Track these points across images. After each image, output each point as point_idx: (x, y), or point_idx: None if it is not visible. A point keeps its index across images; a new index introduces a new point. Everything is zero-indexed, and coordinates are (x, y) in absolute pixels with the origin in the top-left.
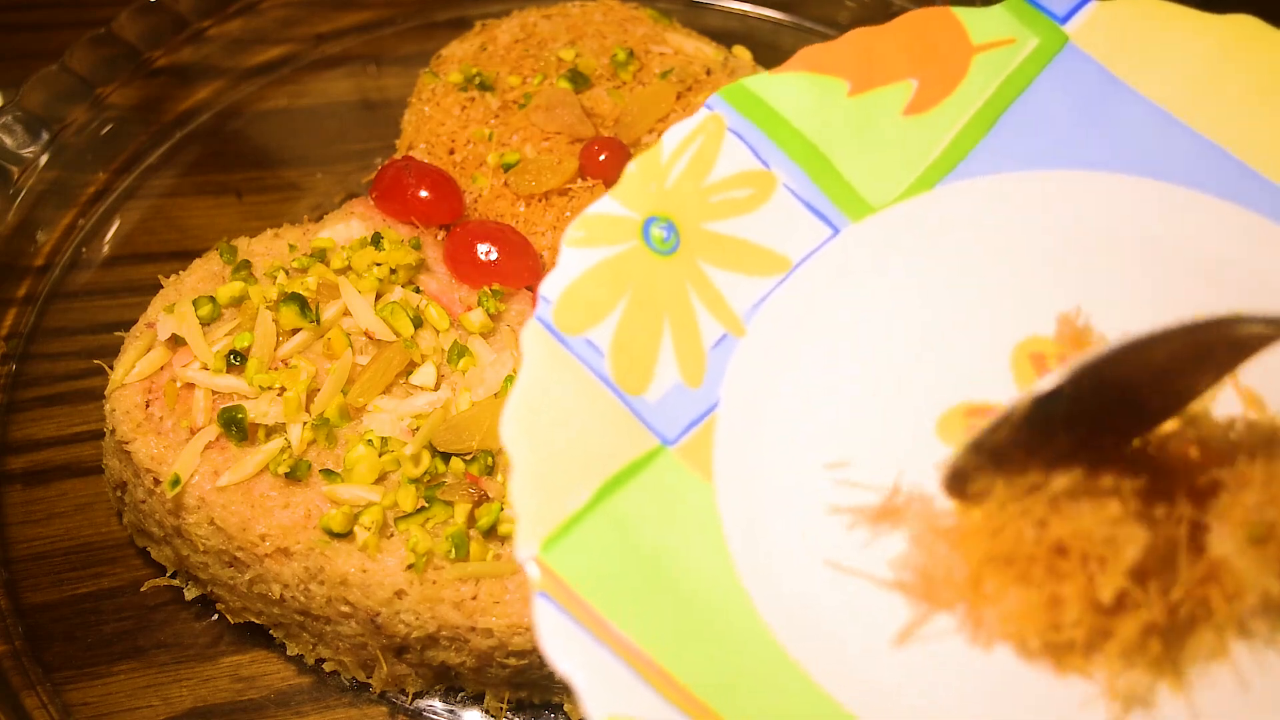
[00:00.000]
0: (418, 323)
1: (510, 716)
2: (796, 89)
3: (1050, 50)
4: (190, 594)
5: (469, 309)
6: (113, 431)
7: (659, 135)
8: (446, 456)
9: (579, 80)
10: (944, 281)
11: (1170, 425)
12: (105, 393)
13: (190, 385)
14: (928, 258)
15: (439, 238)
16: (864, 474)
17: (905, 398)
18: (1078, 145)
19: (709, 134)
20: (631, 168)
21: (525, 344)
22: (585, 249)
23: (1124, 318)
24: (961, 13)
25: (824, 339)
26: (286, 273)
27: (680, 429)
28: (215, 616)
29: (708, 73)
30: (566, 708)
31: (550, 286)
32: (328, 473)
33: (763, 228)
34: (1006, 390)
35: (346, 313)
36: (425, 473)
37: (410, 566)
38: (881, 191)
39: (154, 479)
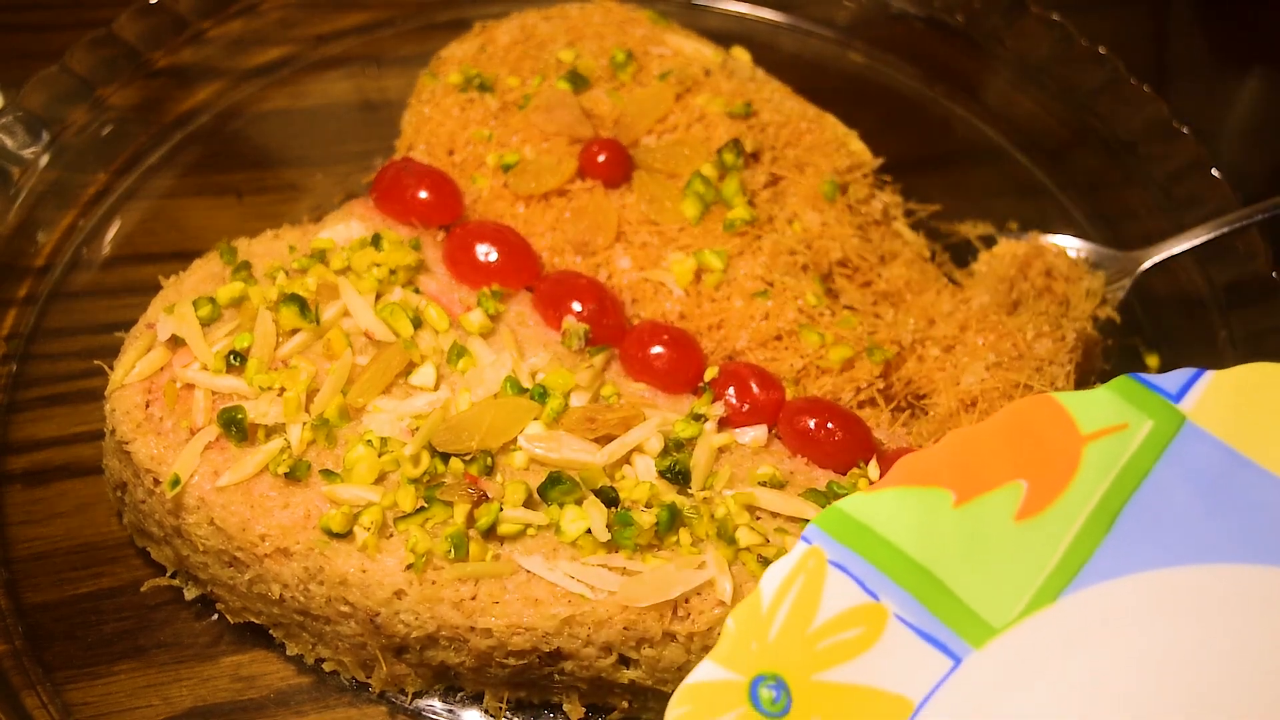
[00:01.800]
0: (417, 323)
1: (510, 716)
2: (897, 507)
3: (1167, 433)
4: (190, 594)
5: (468, 309)
6: (113, 432)
7: (658, 136)
8: (446, 456)
9: (578, 81)
10: (1076, 706)
11: None
12: (105, 393)
13: (190, 385)
14: (1058, 680)
15: (439, 238)
16: None
17: None
18: (1206, 536)
19: (810, 571)
20: (730, 624)
21: None
22: None
23: None
24: (1067, 399)
25: None
26: (286, 273)
27: None
28: (215, 616)
29: (706, 73)
30: (566, 707)
31: None
32: (327, 473)
33: (879, 668)
34: None
35: (346, 313)
36: (425, 473)
37: (410, 566)
38: (1001, 610)
39: (154, 479)
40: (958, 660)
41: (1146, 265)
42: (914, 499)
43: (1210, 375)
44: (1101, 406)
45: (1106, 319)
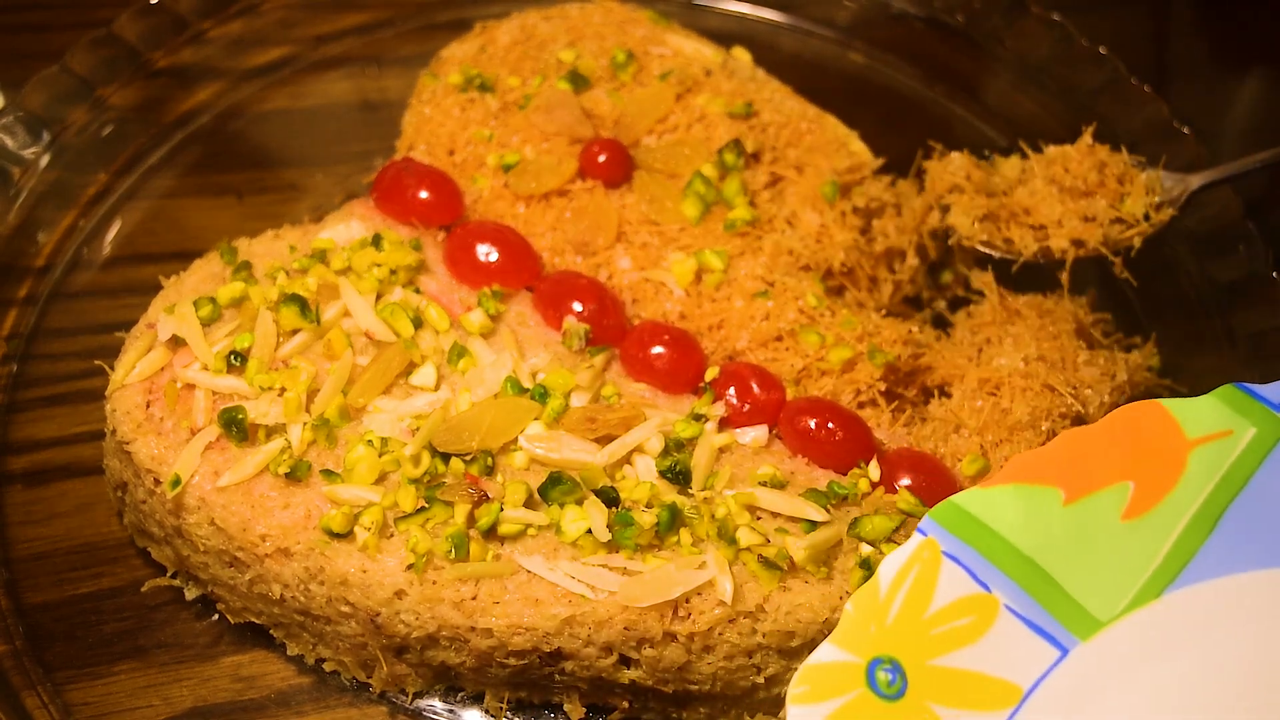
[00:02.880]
0: (418, 323)
1: (510, 716)
2: (1009, 503)
3: (1270, 440)
4: (190, 594)
5: (469, 309)
6: (113, 432)
7: (658, 136)
8: (446, 457)
9: (578, 81)
10: (1181, 699)
11: None
12: (106, 393)
13: (190, 386)
14: (1161, 674)
15: (439, 238)
16: None
17: None
18: None
19: (925, 562)
20: (849, 608)
21: None
22: (811, 705)
23: None
24: (1173, 405)
25: None
26: (287, 273)
27: None
28: (215, 616)
29: (707, 74)
30: (567, 707)
31: None
32: (328, 473)
33: (989, 656)
34: None
35: (346, 313)
36: (425, 473)
37: (410, 566)
38: (1107, 604)
39: (154, 479)
40: (1065, 651)
41: (1197, 186)
42: (1025, 496)
43: None
44: (1207, 413)
45: (1103, 318)
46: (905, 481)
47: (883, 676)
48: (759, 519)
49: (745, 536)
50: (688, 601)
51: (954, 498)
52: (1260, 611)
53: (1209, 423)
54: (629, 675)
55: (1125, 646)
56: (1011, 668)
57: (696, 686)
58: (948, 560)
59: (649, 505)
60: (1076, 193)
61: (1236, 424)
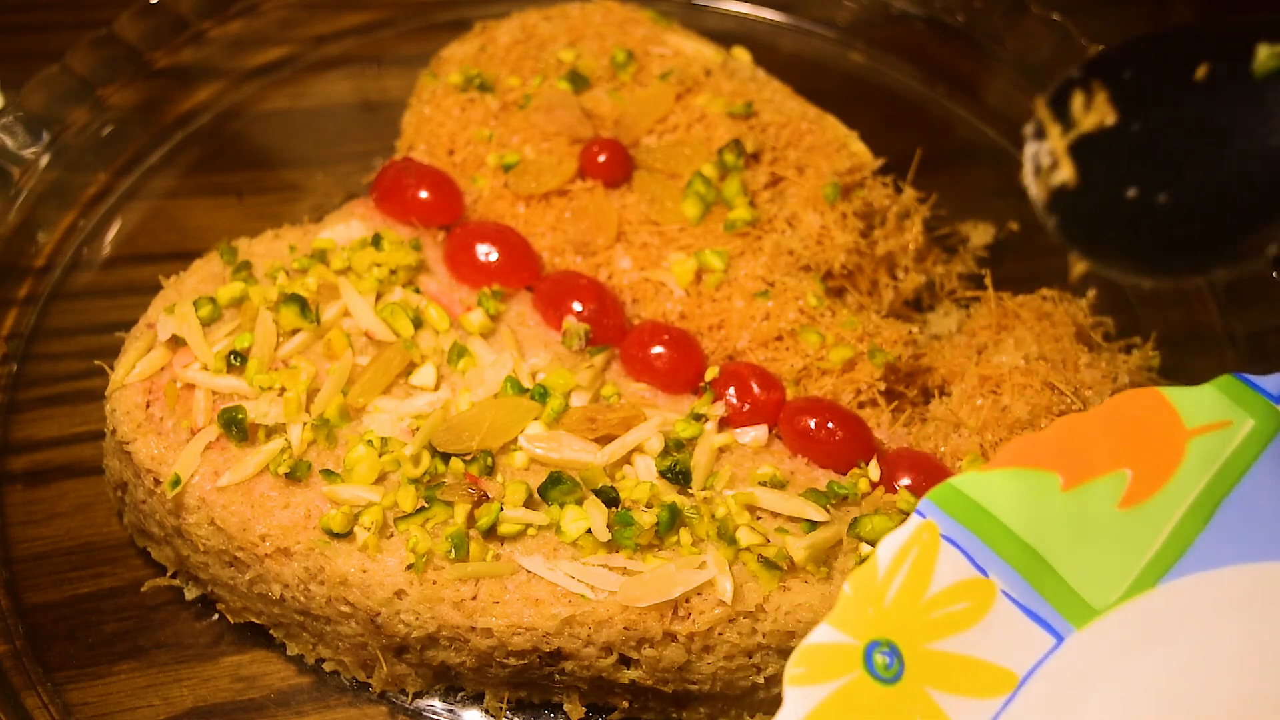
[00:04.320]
0: (418, 323)
1: (510, 716)
2: (1008, 487)
3: (1268, 432)
4: (190, 594)
5: (469, 309)
6: (113, 432)
7: (658, 136)
8: (446, 457)
9: (578, 81)
10: (1175, 689)
11: None
12: (106, 393)
13: (190, 386)
14: (1155, 664)
15: (439, 238)
16: None
17: None
18: None
19: (923, 544)
20: (847, 588)
21: None
22: (808, 687)
23: None
24: (1172, 394)
25: None
26: (287, 273)
27: None
28: (215, 616)
29: (707, 74)
30: (566, 707)
31: None
32: (328, 473)
33: (986, 641)
34: None
35: (346, 313)
36: (425, 473)
37: (410, 566)
38: (1103, 592)
39: (154, 479)
40: (1060, 638)
41: None
42: (1024, 480)
43: None
44: (1205, 403)
45: (1103, 321)
46: (905, 481)
47: (880, 659)
48: (759, 519)
49: (745, 536)
50: (688, 601)
51: (952, 480)
52: (1254, 604)
53: (1208, 412)
54: (629, 675)
55: (1120, 635)
56: (1007, 654)
57: (696, 686)
58: (946, 543)
59: (649, 505)
60: None
61: (1235, 415)
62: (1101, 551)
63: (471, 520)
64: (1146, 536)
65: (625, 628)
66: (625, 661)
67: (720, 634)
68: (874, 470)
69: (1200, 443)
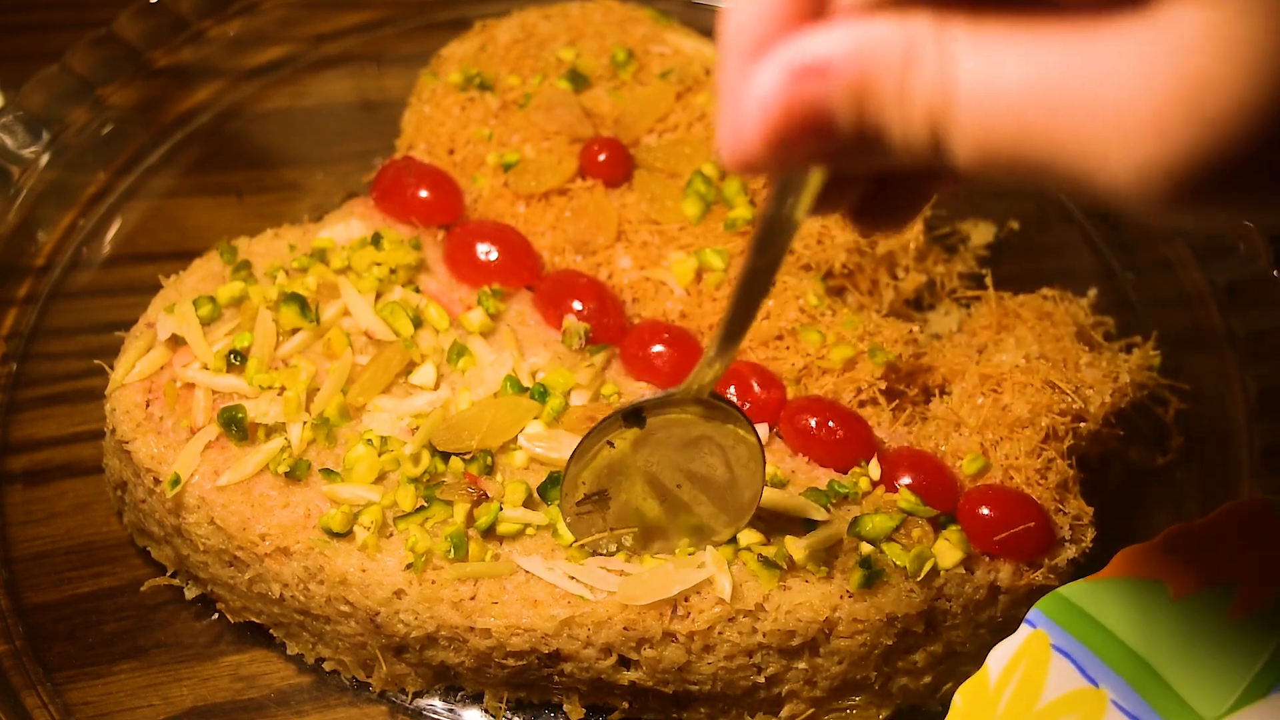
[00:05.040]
0: (417, 323)
1: (509, 716)
2: (1117, 596)
3: None
4: (190, 593)
5: (469, 309)
6: (113, 431)
7: (658, 135)
8: (446, 456)
9: (578, 80)
10: None
11: None
12: (105, 392)
13: (190, 385)
14: None
15: (439, 238)
16: None
17: None
18: None
19: (1034, 655)
20: (958, 699)
21: None
22: None
23: None
24: None
25: None
26: (286, 273)
27: None
28: (215, 616)
29: (707, 73)
30: (566, 707)
31: None
32: (327, 472)
33: None
34: None
35: (346, 313)
36: (424, 472)
37: (409, 566)
38: (1213, 703)
39: (154, 478)
40: None
41: None
42: (1133, 590)
43: None
44: None
45: (1103, 321)
46: (906, 480)
47: None
48: (759, 518)
49: (745, 535)
50: (687, 600)
51: (1061, 590)
52: None
53: None
54: (629, 676)
55: None
56: None
57: (696, 687)
58: (1056, 654)
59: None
60: None
61: None
62: (1212, 661)
63: (470, 519)
64: (1258, 646)
65: (625, 628)
66: (625, 663)
67: (720, 633)
68: (874, 469)
69: None
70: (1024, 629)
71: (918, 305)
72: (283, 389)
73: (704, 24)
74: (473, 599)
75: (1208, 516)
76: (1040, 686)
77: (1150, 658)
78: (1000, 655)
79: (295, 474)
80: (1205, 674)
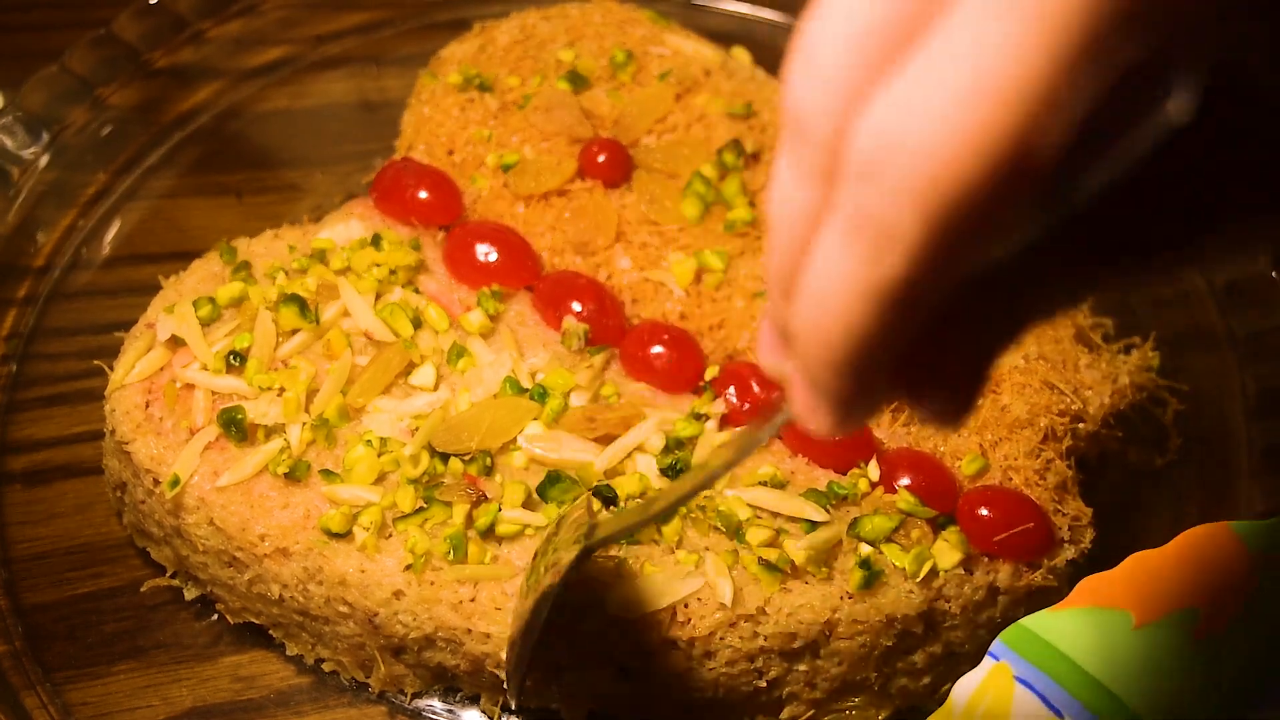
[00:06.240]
0: (417, 323)
1: (509, 717)
2: (1080, 626)
3: None
4: (190, 594)
5: (468, 309)
6: (113, 432)
7: (658, 136)
8: (445, 457)
9: (578, 81)
10: None
11: None
12: (105, 393)
13: (190, 386)
14: None
15: (438, 238)
16: None
17: None
18: None
19: (998, 688)
20: None
21: None
22: None
23: None
24: (1242, 528)
25: None
26: (286, 273)
27: None
28: (215, 616)
29: (707, 74)
30: (565, 715)
31: None
32: (327, 473)
33: None
34: None
35: (346, 313)
36: (424, 473)
37: (408, 567)
38: None
39: (154, 479)
40: None
41: None
42: (1095, 618)
43: None
44: (1276, 535)
45: (1102, 323)
46: (905, 481)
47: None
48: (760, 519)
49: (747, 536)
50: (686, 606)
51: (1023, 621)
52: None
53: (1278, 543)
54: (628, 684)
55: None
56: None
57: (698, 693)
58: (1019, 685)
59: (642, 495)
60: None
61: None
62: (1176, 687)
63: (470, 520)
64: (1221, 672)
65: (623, 635)
66: (624, 671)
67: (721, 639)
68: (874, 470)
69: (1271, 575)
70: (987, 661)
71: None
72: (282, 390)
73: (704, 25)
74: (473, 600)
75: (1169, 543)
76: (1006, 718)
77: (1114, 686)
78: (965, 688)
79: (295, 475)
80: (1169, 701)
